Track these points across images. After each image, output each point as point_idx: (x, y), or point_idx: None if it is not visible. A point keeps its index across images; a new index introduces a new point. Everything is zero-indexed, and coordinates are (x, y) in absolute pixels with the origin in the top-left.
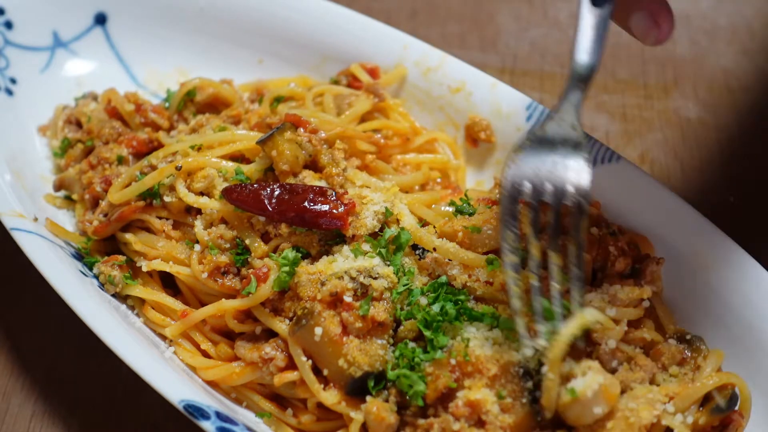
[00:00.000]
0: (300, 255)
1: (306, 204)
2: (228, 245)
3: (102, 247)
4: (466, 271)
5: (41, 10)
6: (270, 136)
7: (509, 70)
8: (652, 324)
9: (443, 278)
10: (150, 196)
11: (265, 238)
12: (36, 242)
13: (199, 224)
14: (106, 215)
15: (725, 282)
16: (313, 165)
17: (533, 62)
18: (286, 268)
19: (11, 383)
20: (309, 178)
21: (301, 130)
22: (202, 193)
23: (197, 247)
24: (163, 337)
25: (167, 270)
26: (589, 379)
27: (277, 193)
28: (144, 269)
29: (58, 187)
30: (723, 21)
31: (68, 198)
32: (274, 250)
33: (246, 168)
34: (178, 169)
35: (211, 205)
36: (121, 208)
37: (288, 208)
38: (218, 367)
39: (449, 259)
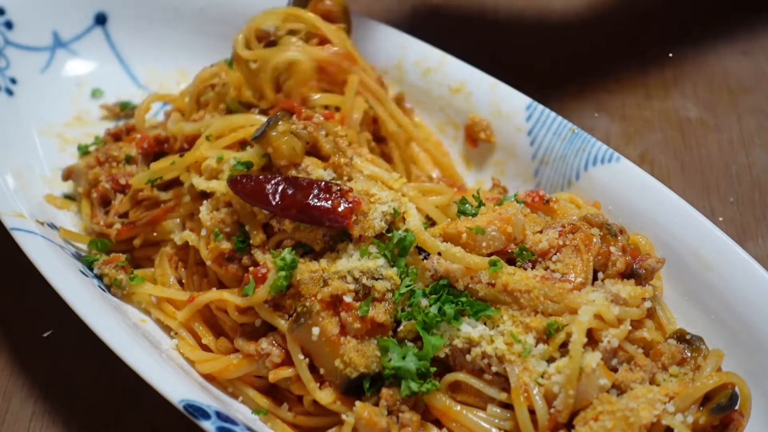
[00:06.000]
0: (297, 260)
1: (310, 201)
2: (229, 230)
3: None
4: (468, 273)
5: (41, 10)
6: (263, 133)
7: None
8: (652, 324)
9: (445, 280)
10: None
11: (269, 229)
12: (36, 242)
13: (204, 209)
14: (121, 216)
15: (725, 282)
16: (315, 151)
17: None
18: (283, 273)
19: (11, 383)
20: (312, 166)
21: (295, 117)
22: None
23: (204, 231)
24: (168, 329)
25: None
26: (589, 356)
27: (281, 188)
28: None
29: (66, 176)
30: (723, 20)
31: (68, 197)
32: (278, 245)
33: (246, 155)
34: (181, 155)
35: (221, 188)
36: (150, 213)
37: (291, 204)
38: (216, 359)
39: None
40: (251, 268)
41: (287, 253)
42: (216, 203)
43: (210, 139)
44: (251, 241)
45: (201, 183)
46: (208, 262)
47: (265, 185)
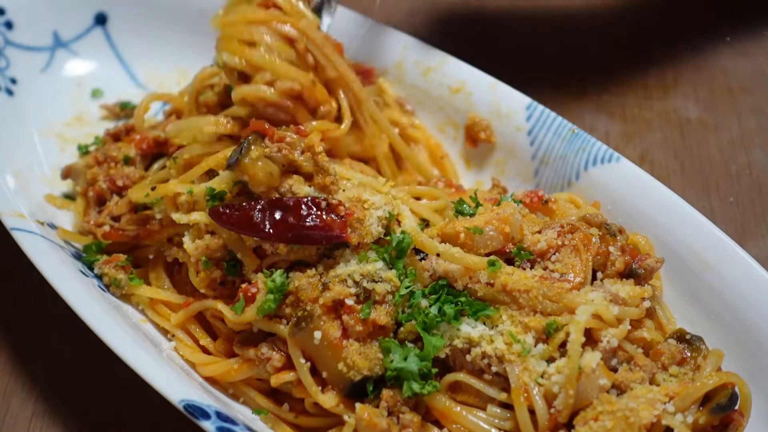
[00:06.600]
0: (287, 282)
1: (304, 222)
2: (219, 254)
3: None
4: (467, 273)
5: (41, 10)
6: (236, 161)
7: None
8: (652, 324)
9: (444, 280)
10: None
11: (260, 251)
12: (36, 242)
13: (187, 239)
14: (114, 219)
15: (725, 282)
16: (294, 170)
17: None
18: (272, 296)
19: (11, 383)
20: (296, 185)
21: (267, 140)
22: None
23: (193, 258)
24: (165, 332)
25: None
26: (588, 355)
27: (268, 212)
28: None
29: (65, 175)
30: (723, 21)
31: (68, 197)
32: (271, 266)
33: (218, 183)
34: (153, 189)
35: (203, 219)
36: (136, 229)
37: (285, 229)
38: (217, 363)
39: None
40: (242, 286)
41: (278, 275)
42: (198, 232)
43: (177, 161)
44: (245, 268)
45: (182, 218)
46: (201, 290)
47: (251, 212)
